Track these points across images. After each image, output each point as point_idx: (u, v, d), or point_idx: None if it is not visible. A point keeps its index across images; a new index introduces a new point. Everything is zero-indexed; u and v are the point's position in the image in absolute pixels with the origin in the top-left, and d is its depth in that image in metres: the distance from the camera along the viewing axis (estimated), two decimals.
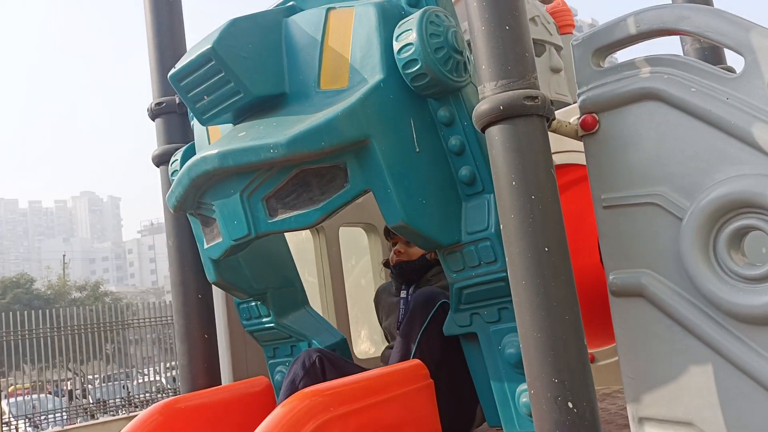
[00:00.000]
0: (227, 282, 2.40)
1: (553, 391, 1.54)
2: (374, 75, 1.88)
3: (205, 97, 2.02)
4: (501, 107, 1.61)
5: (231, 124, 2.19)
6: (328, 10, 2.02)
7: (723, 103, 1.58)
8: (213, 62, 1.93)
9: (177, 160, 2.49)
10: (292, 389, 2.05)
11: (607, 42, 1.79)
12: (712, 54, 2.90)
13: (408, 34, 1.83)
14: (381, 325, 2.72)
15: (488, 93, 1.67)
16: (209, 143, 2.35)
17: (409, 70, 1.84)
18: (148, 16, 2.76)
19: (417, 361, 1.95)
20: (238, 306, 2.59)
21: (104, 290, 41.85)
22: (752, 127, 1.54)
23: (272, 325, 2.48)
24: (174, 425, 2.01)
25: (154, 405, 2.06)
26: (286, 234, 2.70)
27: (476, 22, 1.70)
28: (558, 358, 1.55)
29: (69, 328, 11.53)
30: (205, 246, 2.20)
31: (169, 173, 2.53)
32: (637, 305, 1.73)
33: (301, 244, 3.30)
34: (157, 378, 13.59)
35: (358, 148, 1.83)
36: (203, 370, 2.54)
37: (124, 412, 12.58)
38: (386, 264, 2.66)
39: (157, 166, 2.70)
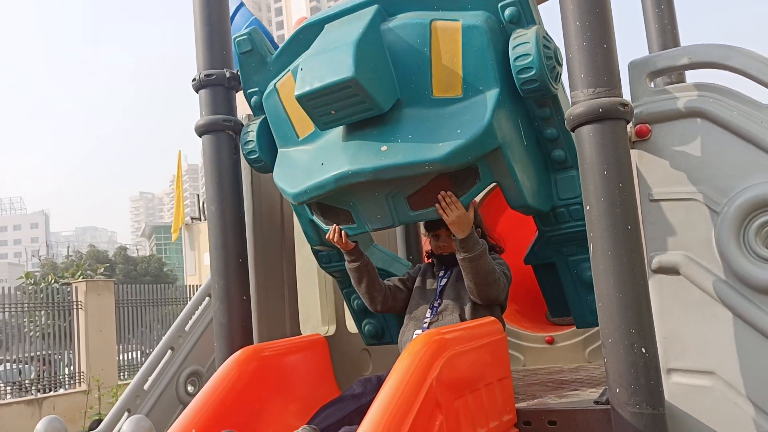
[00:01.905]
0: (326, 244, 2.70)
1: (630, 339, 1.93)
2: (490, 87, 2.18)
3: (333, 111, 2.21)
4: (600, 110, 1.99)
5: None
6: (431, 21, 2.25)
7: (758, 125, 2.07)
8: (351, 88, 2.12)
9: (253, 131, 2.66)
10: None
11: (662, 67, 2.23)
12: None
13: (525, 47, 2.14)
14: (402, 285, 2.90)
15: (582, 98, 2.04)
16: (293, 127, 2.53)
17: (524, 76, 2.15)
18: None
19: (494, 318, 2.26)
20: (317, 253, 2.92)
21: None
22: None
23: None
24: (254, 371, 2.17)
25: (233, 356, 2.19)
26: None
27: (576, 38, 2.06)
28: (635, 313, 1.94)
29: None
30: (325, 227, 2.52)
31: (243, 142, 2.69)
32: (674, 280, 2.17)
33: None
34: None
35: (490, 155, 2.20)
36: (241, 329, 2.68)
37: None
38: (430, 254, 2.96)
39: (200, 136, 2.79)
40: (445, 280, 2.62)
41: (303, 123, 2.46)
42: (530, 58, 2.13)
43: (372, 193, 2.23)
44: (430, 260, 2.88)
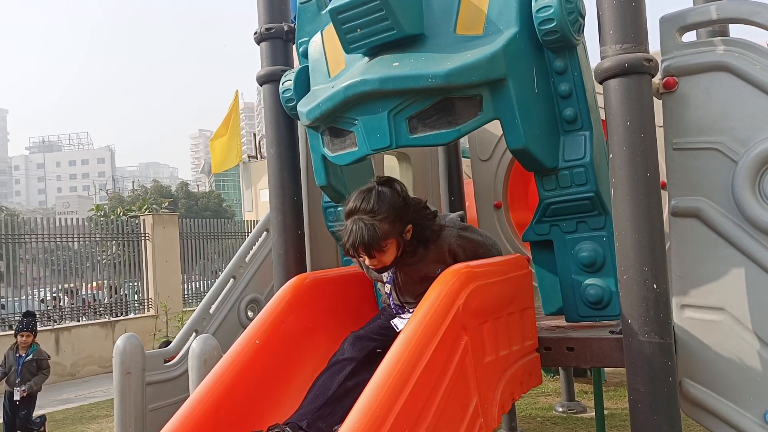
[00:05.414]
0: (331, 186, 2.83)
1: (643, 276, 2.13)
2: (510, 27, 2.32)
3: (359, 30, 2.37)
4: (626, 65, 2.14)
5: (361, 55, 2.56)
6: None
7: None
8: (377, 2, 2.28)
9: (290, 80, 2.83)
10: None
11: (691, 22, 2.35)
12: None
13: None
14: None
15: (611, 53, 2.19)
16: (328, 70, 2.69)
17: (545, 27, 2.29)
18: None
19: (521, 255, 2.48)
20: (326, 210, 3.04)
21: None
22: None
23: None
24: (306, 295, 2.46)
25: (289, 281, 2.48)
26: None
27: None
28: (649, 253, 2.13)
29: None
30: (331, 154, 2.60)
31: (281, 91, 2.87)
32: (692, 224, 2.34)
33: None
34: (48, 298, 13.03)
35: (495, 85, 2.29)
36: (295, 259, 2.99)
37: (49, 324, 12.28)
38: None
39: (261, 85, 3.05)
40: (389, 286, 2.44)
41: (336, 62, 2.62)
42: (551, 10, 2.26)
43: (376, 108, 2.33)
44: None
